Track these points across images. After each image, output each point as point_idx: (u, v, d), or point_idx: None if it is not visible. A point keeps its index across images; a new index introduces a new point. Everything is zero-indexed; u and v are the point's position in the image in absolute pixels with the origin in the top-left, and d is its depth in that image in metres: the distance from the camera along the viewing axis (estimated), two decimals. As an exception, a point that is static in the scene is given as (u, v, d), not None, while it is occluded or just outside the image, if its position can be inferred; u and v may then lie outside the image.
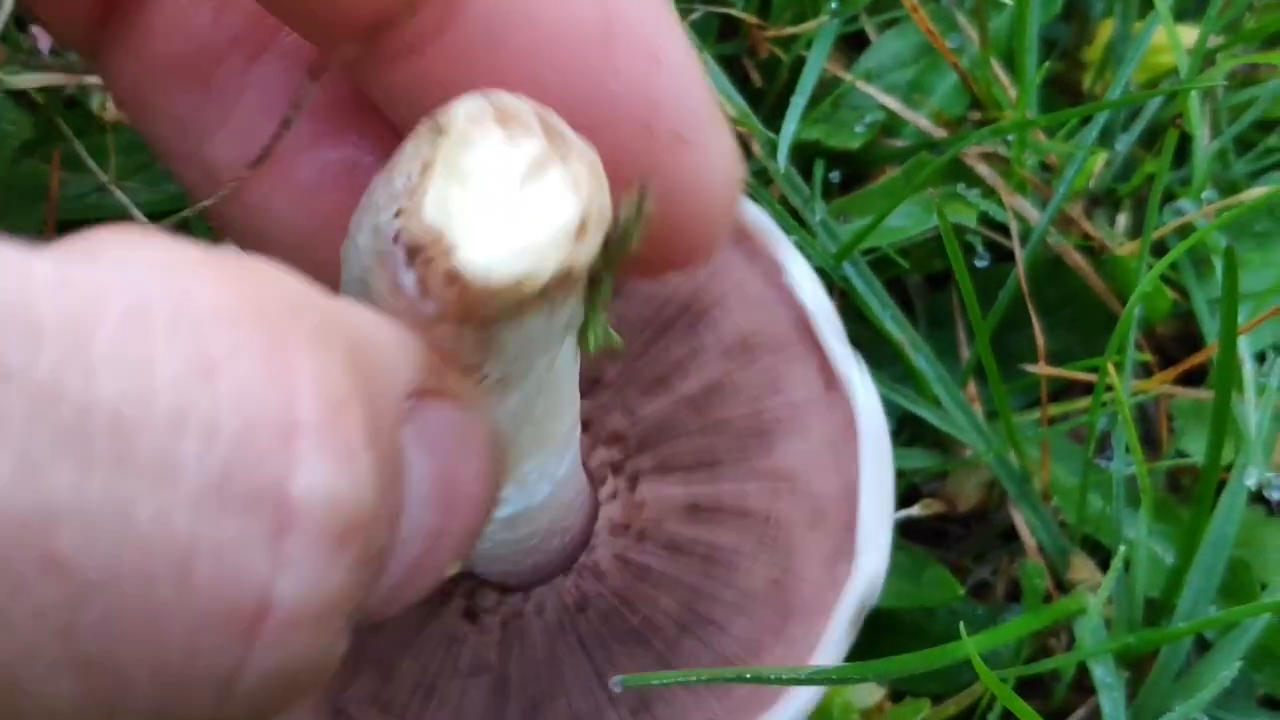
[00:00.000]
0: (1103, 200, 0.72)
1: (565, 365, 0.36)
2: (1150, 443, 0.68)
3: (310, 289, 0.27)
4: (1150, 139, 0.73)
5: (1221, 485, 0.60)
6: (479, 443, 0.31)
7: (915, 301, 0.72)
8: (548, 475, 0.40)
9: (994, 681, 0.48)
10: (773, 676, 0.39)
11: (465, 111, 0.30)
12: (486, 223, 0.29)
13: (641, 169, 0.33)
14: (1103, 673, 0.59)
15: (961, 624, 0.51)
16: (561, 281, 0.29)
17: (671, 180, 0.34)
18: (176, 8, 0.40)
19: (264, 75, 0.40)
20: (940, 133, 0.71)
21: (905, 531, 0.67)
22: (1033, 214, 0.68)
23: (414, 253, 0.28)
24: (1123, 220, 0.71)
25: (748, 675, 0.39)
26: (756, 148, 0.68)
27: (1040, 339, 0.65)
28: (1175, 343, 0.71)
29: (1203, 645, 0.62)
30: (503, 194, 0.29)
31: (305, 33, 0.36)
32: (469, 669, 0.49)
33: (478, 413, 0.31)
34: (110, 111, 0.67)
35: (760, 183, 0.68)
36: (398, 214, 0.29)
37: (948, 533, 0.69)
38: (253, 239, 0.41)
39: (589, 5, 0.33)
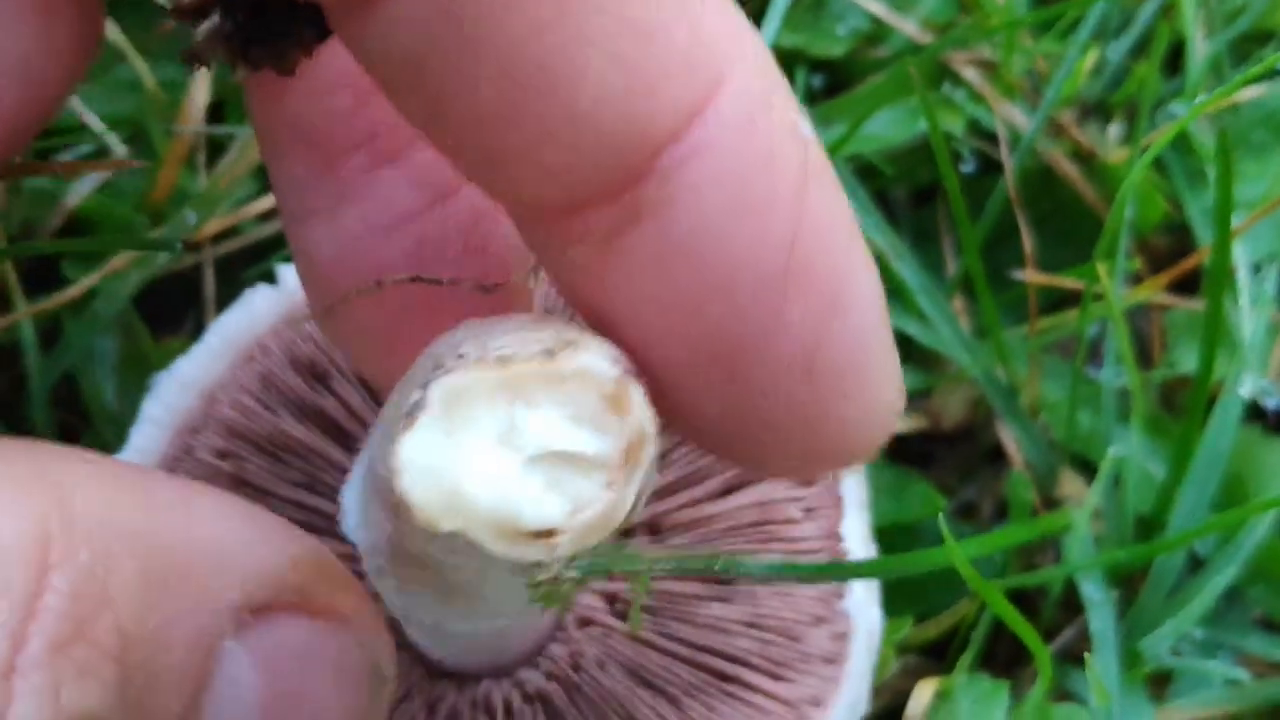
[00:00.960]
0: (1094, 111, 0.69)
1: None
2: (1143, 357, 0.66)
3: (123, 500, 0.29)
4: (1142, 50, 0.71)
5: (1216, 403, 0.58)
6: (342, 665, 0.32)
7: (900, 217, 0.69)
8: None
9: (983, 585, 0.45)
10: (740, 567, 0.37)
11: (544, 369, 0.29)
12: (460, 463, 0.28)
13: (789, 409, 0.32)
14: (1091, 589, 0.57)
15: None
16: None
17: (819, 420, 0.32)
18: (324, 78, 0.37)
19: (386, 183, 0.37)
20: (927, 39, 0.68)
21: (890, 452, 0.65)
22: (1023, 121, 0.66)
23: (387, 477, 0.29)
24: (1115, 130, 0.68)
25: (717, 566, 0.37)
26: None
27: (1029, 249, 0.63)
28: (1170, 256, 0.68)
29: (1195, 567, 0.60)
30: (497, 456, 0.29)
31: (489, 191, 0.33)
32: None
33: (358, 636, 0.32)
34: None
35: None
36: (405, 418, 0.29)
37: (934, 454, 0.66)
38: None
39: (776, 238, 0.30)
